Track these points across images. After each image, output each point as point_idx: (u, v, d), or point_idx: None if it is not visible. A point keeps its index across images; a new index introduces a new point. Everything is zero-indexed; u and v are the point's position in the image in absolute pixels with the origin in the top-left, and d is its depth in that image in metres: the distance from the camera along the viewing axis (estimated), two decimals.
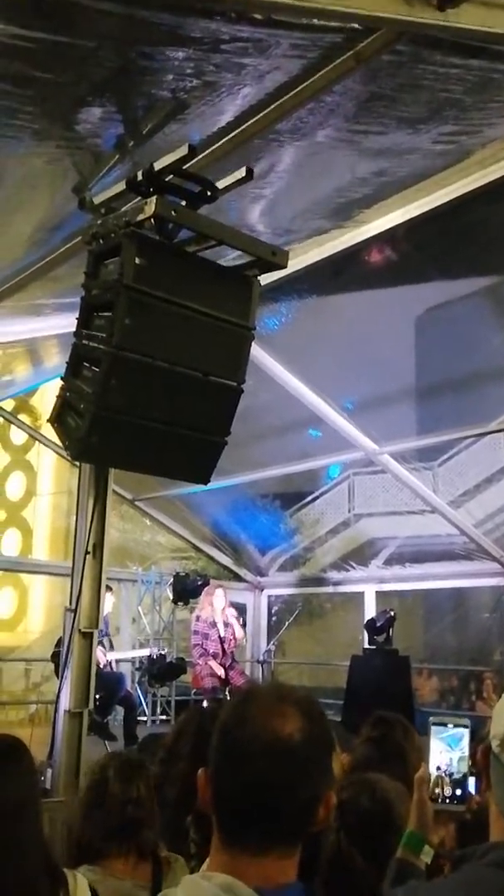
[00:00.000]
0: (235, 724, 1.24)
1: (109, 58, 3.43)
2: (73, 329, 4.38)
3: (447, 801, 1.80)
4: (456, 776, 1.81)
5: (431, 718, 1.87)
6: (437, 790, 1.80)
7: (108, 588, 6.39)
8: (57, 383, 4.60)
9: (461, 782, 1.81)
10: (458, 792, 1.80)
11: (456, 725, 1.84)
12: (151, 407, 4.31)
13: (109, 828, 2.59)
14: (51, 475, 18.35)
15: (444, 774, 1.80)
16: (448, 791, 1.80)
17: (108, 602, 7.84)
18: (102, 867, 2.52)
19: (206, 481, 4.80)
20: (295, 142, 4.27)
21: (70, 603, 5.30)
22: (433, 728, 1.84)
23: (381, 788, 2.27)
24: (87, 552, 5.22)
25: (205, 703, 8.07)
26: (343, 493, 13.55)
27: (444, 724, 1.85)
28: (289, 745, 1.20)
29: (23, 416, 13.08)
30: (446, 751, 1.82)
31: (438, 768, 1.82)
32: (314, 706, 1.27)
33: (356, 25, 3.37)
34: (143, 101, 3.79)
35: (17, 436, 17.85)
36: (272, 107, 3.85)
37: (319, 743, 1.25)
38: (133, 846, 2.58)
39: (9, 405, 11.00)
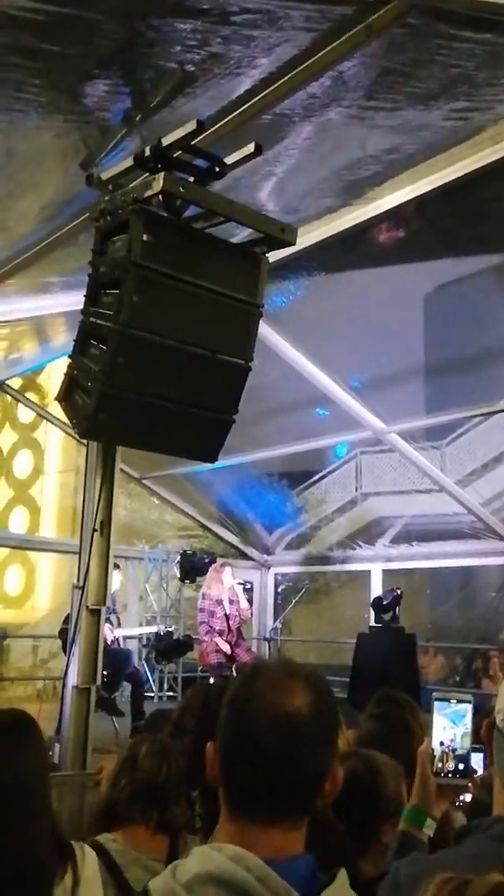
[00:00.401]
0: (244, 699, 1.25)
1: (117, 30, 3.39)
2: (81, 307, 4.37)
3: (450, 775, 1.82)
4: (459, 752, 1.83)
5: (434, 694, 1.88)
6: (440, 765, 1.82)
7: (116, 566, 6.41)
8: (64, 361, 4.59)
9: (464, 757, 1.83)
10: (461, 767, 1.82)
11: (459, 701, 1.86)
12: (159, 385, 4.30)
13: (135, 794, 2.66)
14: (58, 453, 18.38)
15: (447, 750, 1.82)
16: (451, 766, 1.82)
17: (116, 580, 7.88)
18: (123, 835, 2.57)
19: (213, 460, 4.80)
20: (305, 118, 4.22)
21: (78, 580, 5.32)
22: (436, 704, 1.85)
23: (373, 758, 2.30)
24: (94, 530, 5.23)
25: (211, 680, 8.13)
26: (350, 472, 13.52)
27: (447, 700, 1.86)
28: (296, 720, 1.21)
29: (30, 395, 13.07)
30: (449, 726, 1.83)
31: (442, 743, 1.83)
32: (321, 682, 1.28)
33: None
34: (151, 74, 3.75)
35: (25, 414, 17.86)
36: (282, 81, 3.81)
37: (326, 718, 1.26)
38: (156, 816, 2.63)
39: (16, 383, 11.01)
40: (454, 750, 1.82)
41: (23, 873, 2.13)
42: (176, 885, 1.14)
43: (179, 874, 1.15)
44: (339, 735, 1.35)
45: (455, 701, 1.86)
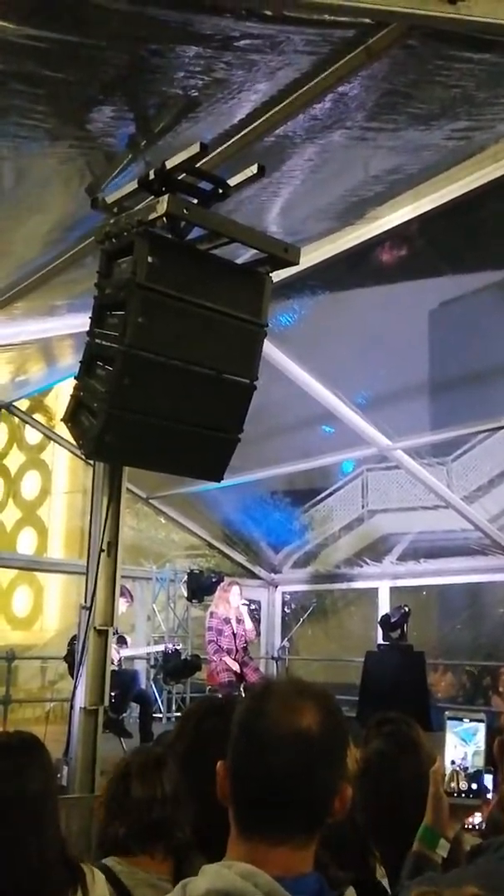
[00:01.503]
0: (255, 717, 1.26)
1: (120, 57, 3.44)
2: (87, 328, 4.40)
3: (462, 795, 1.81)
4: (471, 770, 1.81)
5: (447, 713, 1.87)
6: (453, 784, 1.80)
7: (122, 594, 6.40)
8: (71, 383, 4.62)
9: (476, 777, 1.81)
10: (474, 786, 1.81)
11: (471, 720, 1.85)
12: (165, 405, 4.33)
13: (135, 831, 2.59)
14: (65, 474, 18.41)
15: (458, 769, 1.81)
16: (463, 785, 1.81)
17: (122, 605, 7.91)
18: (128, 860, 2.53)
19: (219, 479, 4.81)
20: (308, 140, 4.27)
21: (85, 601, 5.32)
22: (448, 722, 1.84)
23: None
24: (101, 550, 5.24)
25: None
26: (356, 489, 13.53)
27: (460, 719, 1.85)
28: (307, 738, 1.22)
29: (37, 416, 13.11)
30: (461, 745, 1.82)
31: (453, 762, 1.82)
32: (331, 700, 1.29)
33: (367, 20, 3.37)
34: (155, 100, 3.80)
35: (32, 435, 17.92)
36: (284, 103, 3.86)
37: (336, 736, 1.27)
38: (161, 847, 2.58)
39: (23, 405, 11.03)
40: (465, 769, 1.81)
41: (31, 890, 2.13)
42: None
43: (190, 891, 1.16)
44: (347, 754, 1.35)
45: (467, 719, 1.85)
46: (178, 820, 2.64)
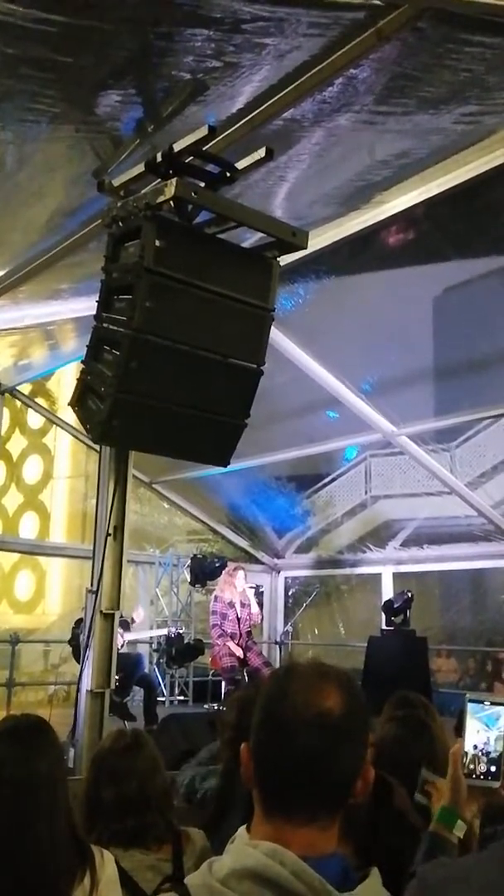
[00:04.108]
0: (278, 699, 1.27)
1: (129, 40, 3.42)
2: (90, 312, 4.39)
3: (481, 777, 1.81)
4: (493, 755, 1.81)
5: (468, 695, 1.86)
6: (472, 766, 1.80)
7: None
8: (72, 367, 4.62)
9: (497, 760, 1.81)
10: (493, 769, 1.80)
11: (493, 704, 1.83)
12: (172, 389, 4.33)
13: (114, 834, 2.58)
14: (68, 459, 18.41)
15: (479, 753, 1.80)
16: (483, 768, 1.80)
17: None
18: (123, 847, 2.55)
19: (225, 463, 4.82)
20: (316, 123, 4.24)
21: (91, 584, 5.34)
22: (469, 706, 1.83)
23: None
24: (108, 534, 5.25)
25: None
26: (360, 475, 13.51)
27: (482, 702, 1.84)
28: (330, 719, 1.23)
29: (40, 400, 13.10)
30: (483, 730, 1.81)
31: (475, 747, 1.81)
32: (352, 683, 1.30)
33: (378, 2, 3.34)
34: (163, 84, 3.78)
35: (35, 420, 17.91)
36: (292, 87, 3.83)
37: (358, 717, 1.28)
38: (146, 841, 2.59)
39: (26, 389, 11.02)
40: (488, 753, 1.81)
41: (41, 872, 2.15)
42: (213, 880, 1.16)
43: (216, 870, 1.18)
44: (369, 735, 1.36)
45: (489, 703, 1.84)
46: (155, 817, 2.63)
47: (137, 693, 9.04)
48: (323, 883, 1.13)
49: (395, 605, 9.54)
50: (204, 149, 3.98)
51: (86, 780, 2.74)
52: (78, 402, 4.43)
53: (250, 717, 1.30)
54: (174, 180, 3.89)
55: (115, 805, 2.61)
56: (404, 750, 2.35)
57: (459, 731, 2.12)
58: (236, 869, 1.15)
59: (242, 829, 1.27)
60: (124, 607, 6.75)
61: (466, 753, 1.82)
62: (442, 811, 1.82)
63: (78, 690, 5.42)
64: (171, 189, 3.88)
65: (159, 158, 3.96)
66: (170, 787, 2.78)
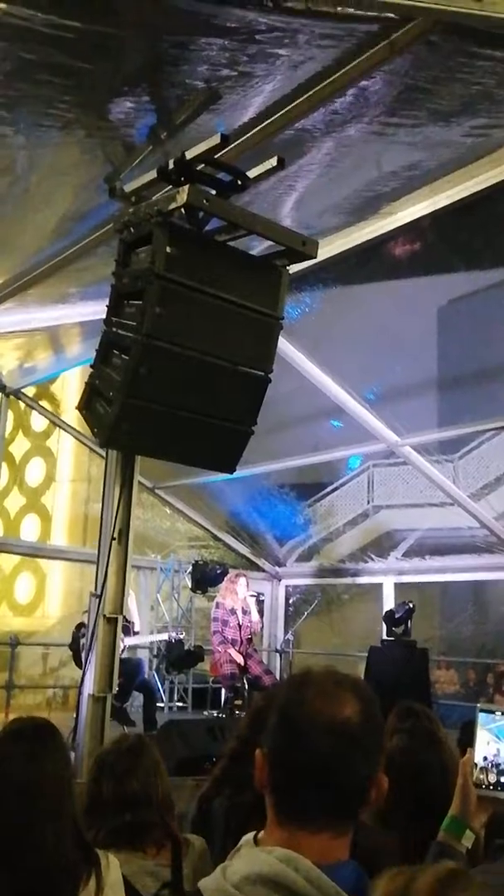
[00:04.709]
0: (294, 706, 1.27)
1: (145, 48, 3.46)
2: (98, 317, 4.41)
3: (491, 787, 1.81)
4: (503, 766, 1.81)
5: (480, 706, 1.86)
6: (482, 776, 1.80)
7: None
8: (77, 371, 4.63)
9: None
10: (503, 779, 1.80)
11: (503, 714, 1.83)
12: (179, 395, 4.34)
13: (113, 831, 2.57)
14: (70, 462, 18.40)
15: (489, 765, 1.80)
16: (493, 778, 1.80)
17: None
18: (123, 852, 2.54)
19: (232, 470, 4.83)
20: (327, 134, 4.27)
21: (95, 588, 5.34)
22: (480, 717, 1.83)
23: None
24: (112, 538, 5.26)
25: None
26: (362, 485, 13.53)
27: (492, 713, 1.84)
28: (346, 727, 1.23)
29: (43, 403, 13.11)
30: (494, 741, 1.81)
31: (485, 758, 1.81)
32: (368, 691, 1.31)
33: (392, 14, 3.37)
34: (177, 92, 3.81)
35: (38, 422, 17.93)
36: (304, 97, 3.87)
37: (374, 726, 1.29)
38: (145, 842, 2.59)
39: (30, 391, 11.04)
40: (498, 765, 1.80)
41: (47, 874, 2.15)
42: (227, 885, 1.16)
43: (229, 874, 1.18)
44: (384, 743, 1.37)
45: (500, 714, 1.84)
46: (155, 817, 2.63)
47: (136, 699, 9.02)
48: (337, 890, 1.14)
49: (397, 616, 9.52)
50: (216, 157, 4.00)
51: (87, 778, 2.74)
52: (86, 406, 4.44)
53: (259, 731, 1.30)
54: (186, 187, 3.91)
55: (115, 801, 2.60)
56: (414, 760, 2.34)
57: (462, 742, 2.12)
58: (250, 874, 1.16)
59: (248, 836, 1.28)
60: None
61: (476, 764, 1.82)
62: (450, 821, 1.81)
63: (79, 694, 5.42)
64: (182, 196, 3.90)
65: (171, 165, 3.98)
66: (171, 791, 2.78)
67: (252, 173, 4.15)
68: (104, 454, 5.78)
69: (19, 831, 2.15)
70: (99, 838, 2.53)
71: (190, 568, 11.32)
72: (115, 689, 5.55)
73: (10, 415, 11.65)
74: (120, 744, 2.86)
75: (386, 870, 1.06)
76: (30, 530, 18.61)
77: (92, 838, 2.51)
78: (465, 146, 4.67)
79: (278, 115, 3.99)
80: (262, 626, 10.94)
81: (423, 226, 5.95)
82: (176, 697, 11.01)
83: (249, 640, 8.84)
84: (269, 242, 4.70)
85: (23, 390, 10.17)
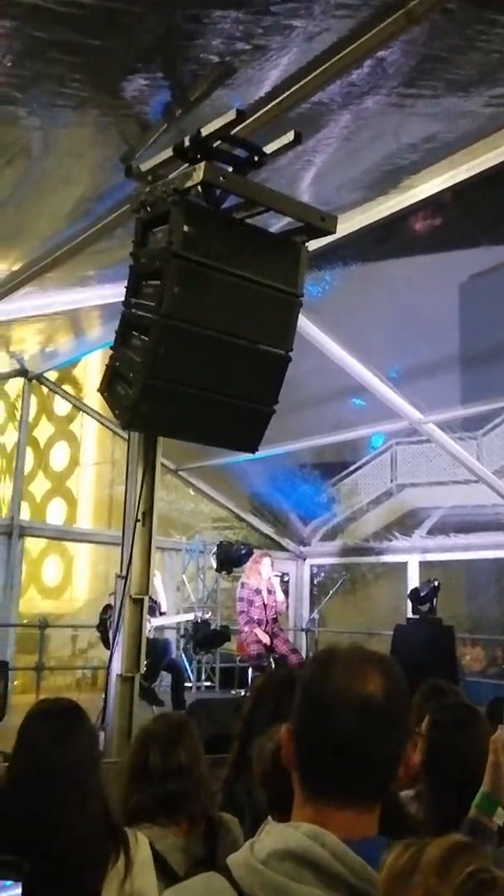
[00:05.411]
0: (320, 683, 1.26)
1: (157, 23, 3.41)
2: (117, 299, 4.39)
3: None
4: None
5: None
6: None
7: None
8: (98, 354, 4.62)
9: None
10: None
11: None
12: (200, 375, 4.32)
13: (154, 800, 2.60)
14: (94, 445, 18.46)
15: None
16: None
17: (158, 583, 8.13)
18: (158, 827, 2.56)
19: (254, 450, 4.81)
20: (344, 107, 4.21)
21: (121, 570, 5.36)
22: None
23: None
24: (136, 520, 5.26)
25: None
26: (385, 463, 13.49)
27: None
28: (372, 703, 1.22)
29: (66, 387, 13.16)
30: None
31: None
32: (395, 667, 1.29)
33: None
34: (191, 67, 3.77)
35: (61, 407, 17.99)
36: (321, 69, 3.80)
37: (400, 702, 1.27)
38: (181, 815, 2.61)
39: (52, 376, 11.09)
40: None
41: (76, 854, 2.16)
42: (254, 860, 1.16)
43: (257, 850, 1.17)
44: (411, 720, 1.36)
45: None
46: (195, 791, 2.65)
47: (165, 678, 9.08)
48: (364, 865, 1.13)
49: (422, 594, 9.51)
50: (232, 133, 3.96)
51: (132, 749, 2.77)
52: (107, 388, 4.43)
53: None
54: (202, 165, 3.87)
55: (161, 770, 2.63)
56: (458, 735, 2.33)
57: (493, 719, 2.10)
58: (277, 849, 1.15)
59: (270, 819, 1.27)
60: None
61: None
62: (482, 797, 1.80)
63: (108, 675, 5.45)
64: (199, 173, 3.87)
65: (187, 143, 3.94)
66: (207, 771, 2.80)
67: (269, 149, 4.10)
68: (127, 437, 5.78)
69: (47, 812, 2.16)
70: (140, 804, 2.58)
71: (215, 549, 11.36)
72: (143, 668, 5.57)
73: (34, 400, 11.74)
74: (168, 718, 2.92)
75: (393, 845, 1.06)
76: (56, 514, 18.72)
77: (134, 804, 2.58)
78: (484, 116, 4.58)
79: (294, 88, 3.94)
80: (287, 606, 10.95)
81: (443, 200, 5.86)
82: (203, 677, 11.09)
83: (275, 620, 8.84)
84: (288, 219, 4.66)
85: (45, 375, 10.22)
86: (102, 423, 11.49)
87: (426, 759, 2.20)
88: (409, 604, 9.74)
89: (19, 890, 1.57)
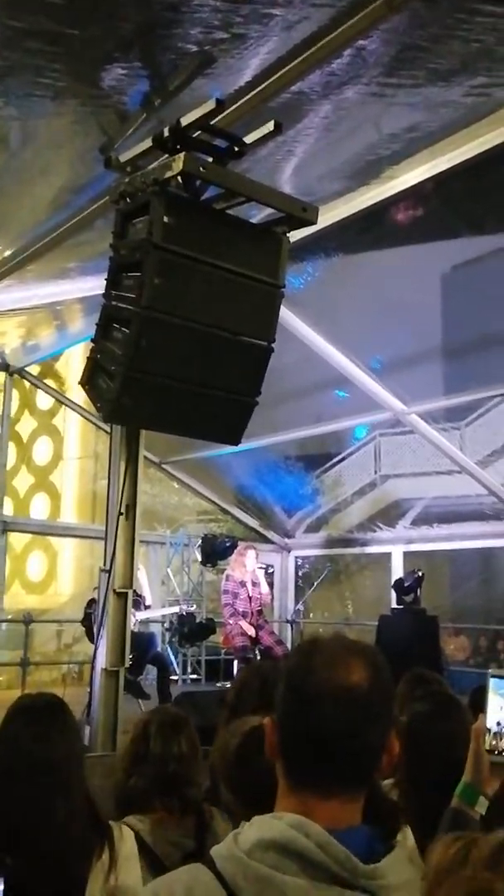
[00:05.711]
0: (303, 673, 1.26)
1: (135, 12, 3.38)
2: (98, 291, 4.36)
3: (503, 754, 1.80)
4: None
5: (491, 671, 1.84)
6: (494, 742, 1.79)
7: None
8: (80, 348, 4.60)
9: None
10: None
11: None
12: (181, 367, 4.30)
13: (152, 783, 2.63)
14: (77, 439, 18.40)
15: (502, 730, 1.78)
16: None
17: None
18: (150, 818, 2.57)
19: (236, 442, 4.80)
20: (324, 96, 4.18)
21: (105, 564, 5.35)
22: (492, 682, 1.80)
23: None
24: (120, 514, 5.25)
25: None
26: (369, 454, 13.50)
27: (503, 677, 1.82)
28: (356, 693, 1.22)
29: (48, 381, 13.09)
30: None
31: (498, 723, 1.79)
32: (378, 657, 1.29)
33: None
34: (169, 56, 3.74)
35: (44, 401, 17.91)
36: (300, 58, 3.78)
37: (384, 691, 1.27)
38: (177, 801, 2.61)
39: (34, 370, 11.03)
40: None
41: (60, 850, 2.15)
42: (238, 851, 1.16)
43: (241, 841, 1.17)
44: (394, 709, 1.35)
45: None
46: (192, 777, 2.67)
47: (150, 672, 9.07)
48: (348, 855, 1.13)
49: (406, 584, 9.55)
50: (212, 123, 3.93)
51: (132, 736, 2.78)
52: (88, 381, 4.41)
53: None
54: (182, 155, 3.84)
55: (162, 755, 2.65)
56: (438, 725, 2.33)
57: (475, 708, 2.10)
58: (261, 840, 1.15)
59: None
60: None
61: (489, 730, 1.80)
62: (464, 787, 1.80)
63: (92, 669, 5.44)
64: (178, 164, 3.84)
65: (166, 133, 3.91)
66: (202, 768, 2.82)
67: (249, 139, 4.08)
68: (109, 430, 5.76)
69: (29, 807, 2.15)
70: (138, 788, 2.59)
71: (199, 542, 11.34)
72: (128, 662, 5.57)
73: (16, 394, 11.64)
74: (167, 710, 2.97)
75: (439, 837, 1.06)
76: (39, 509, 18.65)
77: (131, 787, 2.60)
78: (465, 106, 4.58)
79: (274, 77, 3.92)
80: (272, 598, 10.97)
81: (425, 190, 5.85)
82: (189, 670, 11.09)
83: (260, 612, 8.86)
84: (269, 210, 4.63)
85: (27, 369, 10.16)
86: (85, 417, 11.44)
87: (407, 748, 2.20)
88: (394, 594, 9.78)
89: (1, 885, 1.56)
